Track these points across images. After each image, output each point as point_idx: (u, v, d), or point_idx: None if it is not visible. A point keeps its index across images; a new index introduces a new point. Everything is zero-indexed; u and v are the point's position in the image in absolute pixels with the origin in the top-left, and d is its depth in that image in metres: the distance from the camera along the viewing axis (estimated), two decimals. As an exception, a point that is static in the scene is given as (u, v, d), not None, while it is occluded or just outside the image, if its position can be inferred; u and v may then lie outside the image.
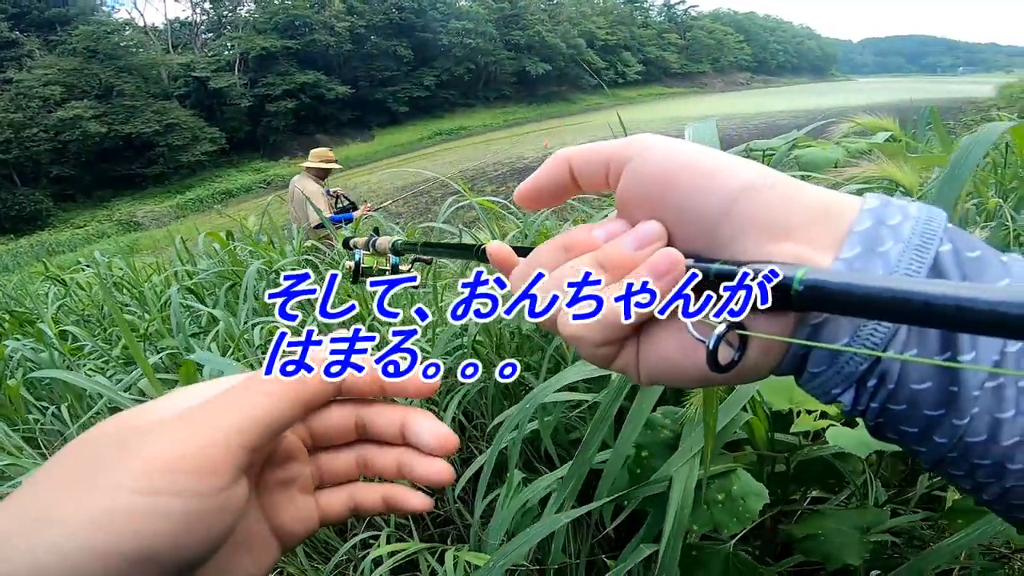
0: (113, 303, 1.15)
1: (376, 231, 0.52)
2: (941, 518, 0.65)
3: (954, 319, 0.15)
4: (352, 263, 0.49)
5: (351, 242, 0.52)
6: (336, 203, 3.67)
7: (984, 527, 0.48)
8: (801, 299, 0.18)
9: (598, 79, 44.63)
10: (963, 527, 0.52)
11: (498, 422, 0.95)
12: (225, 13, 35.38)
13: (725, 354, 0.21)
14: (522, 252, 0.26)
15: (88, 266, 3.45)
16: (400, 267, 0.48)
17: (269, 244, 2.47)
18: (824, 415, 0.56)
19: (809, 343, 0.20)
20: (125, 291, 2.83)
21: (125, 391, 1.43)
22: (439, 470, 0.25)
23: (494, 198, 1.59)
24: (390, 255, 0.48)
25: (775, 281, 0.19)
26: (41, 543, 0.17)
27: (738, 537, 0.54)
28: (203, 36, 34.65)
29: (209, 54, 32.20)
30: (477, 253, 0.30)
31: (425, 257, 0.50)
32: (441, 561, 0.95)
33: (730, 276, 0.20)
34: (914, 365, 0.20)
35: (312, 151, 3.77)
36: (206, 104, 29.26)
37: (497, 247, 0.26)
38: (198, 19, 35.39)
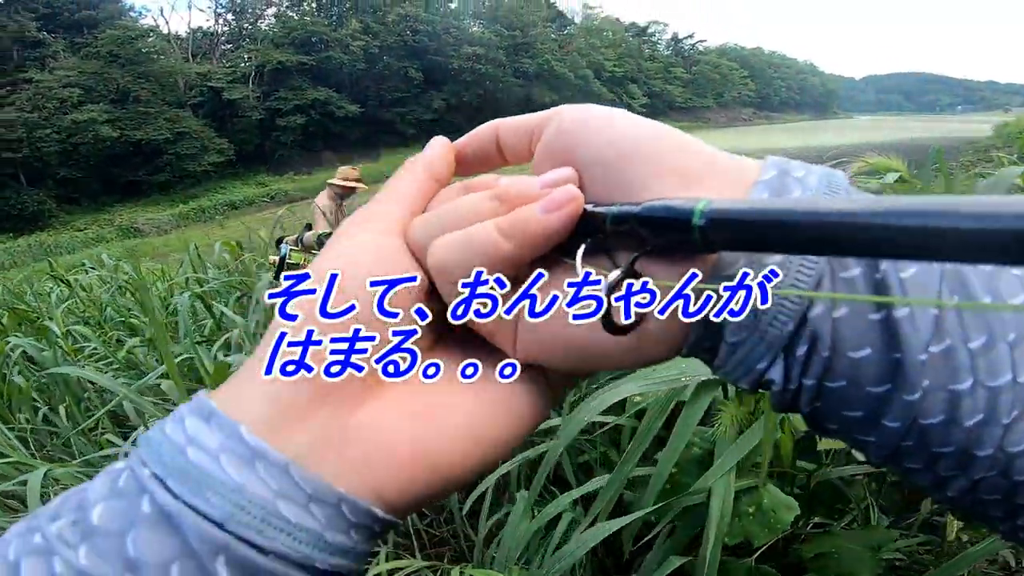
0: (152, 311, 1.14)
1: (308, 226, 0.49)
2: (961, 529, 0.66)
3: (893, 241, 0.12)
4: (276, 258, 0.47)
5: (283, 239, 0.49)
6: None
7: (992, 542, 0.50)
8: (705, 236, 0.16)
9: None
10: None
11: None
12: (246, 26, 36.16)
13: (620, 314, 0.18)
14: None
15: (92, 268, 3.46)
16: None
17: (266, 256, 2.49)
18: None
19: (710, 286, 0.17)
20: (129, 295, 2.84)
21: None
22: None
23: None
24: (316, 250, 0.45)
25: (675, 215, 0.16)
26: None
27: (753, 558, 0.55)
28: (223, 47, 35.32)
29: (226, 65, 32.78)
30: None
31: None
32: (442, 580, 0.94)
33: (627, 218, 0.18)
34: (849, 329, 0.17)
35: (339, 168, 3.86)
36: (218, 114, 29.65)
37: None
38: (219, 30, 36.12)
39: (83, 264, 3.82)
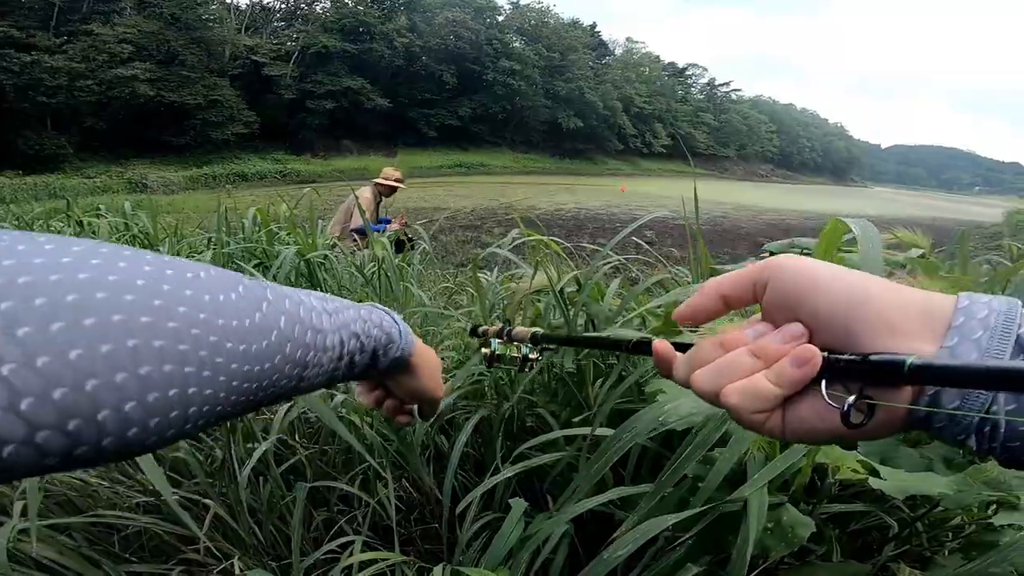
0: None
1: (508, 322, 0.55)
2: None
3: (1004, 384, 0.23)
4: (488, 351, 0.53)
5: (480, 330, 0.55)
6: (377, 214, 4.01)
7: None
8: (911, 376, 0.26)
9: (625, 145, 45.48)
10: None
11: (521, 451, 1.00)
12: (302, 5, 36.61)
13: (855, 417, 0.28)
14: (680, 347, 0.34)
15: (107, 213, 3.47)
16: (530, 356, 0.51)
17: (293, 228, 2.50)
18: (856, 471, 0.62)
19: (907, 406, 0.27)
20: (139, 246, 2.85)
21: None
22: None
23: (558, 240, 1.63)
24: (522, 345, 0.50)
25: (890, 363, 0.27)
26: None
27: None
28: (275, 23, 35.71)
29: (274, 41, 33.07)
30: (629, 347, 0.37)
31: (551, 346, 0.54)
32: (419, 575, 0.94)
33: (856, 363, 0.27)
34: (1018, 415, 0.26)
35: (384, 169, 4.18)
36: (253, 87, 29.84)
37: (662, 345, 0.34)
38: (276, 6, 36.56)
39: (98, 208, 3.83)
